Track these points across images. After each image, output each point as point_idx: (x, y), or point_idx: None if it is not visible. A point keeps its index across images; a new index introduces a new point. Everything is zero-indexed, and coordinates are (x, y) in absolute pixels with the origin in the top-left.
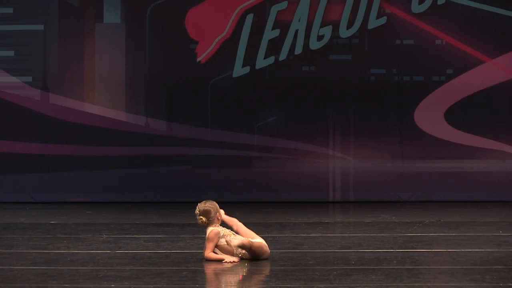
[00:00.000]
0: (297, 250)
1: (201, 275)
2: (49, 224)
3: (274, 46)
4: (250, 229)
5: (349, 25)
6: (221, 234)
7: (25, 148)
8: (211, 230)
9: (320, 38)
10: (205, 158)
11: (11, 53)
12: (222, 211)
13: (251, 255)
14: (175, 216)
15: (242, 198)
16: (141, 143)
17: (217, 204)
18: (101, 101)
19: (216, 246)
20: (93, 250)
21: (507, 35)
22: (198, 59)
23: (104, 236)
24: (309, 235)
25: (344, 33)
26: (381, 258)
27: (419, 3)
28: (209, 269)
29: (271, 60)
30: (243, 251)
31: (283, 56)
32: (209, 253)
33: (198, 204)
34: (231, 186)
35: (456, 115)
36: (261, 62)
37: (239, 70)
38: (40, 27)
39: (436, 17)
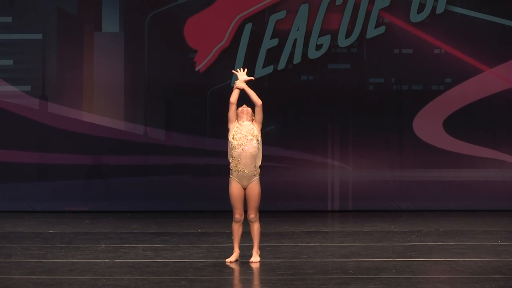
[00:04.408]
0: (296, 259)
1: (200, 284)
2: (48, 233)
3: (273, 55)
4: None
5: (348, 34)
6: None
7: (24, 157)
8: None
9: (318, 47)
10: (204, 167)
11: (10, 62)
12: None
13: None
14: (174, 225)
15: None
16: (140, 152)
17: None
18: (100, 110)
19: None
20: (92, 259)
21: (505, 44)
22: (197, 68)
23: (103, 245)
24: (308, 244)
25: (343, 42)
26: (380, 267)
27: (418, 12)
28: (208, 278)
29: (269, 69)
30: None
31: (282, 65)
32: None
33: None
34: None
35: (455, 124)
36: (260, 71)
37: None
38: (39, 36)
39: (435, 26)
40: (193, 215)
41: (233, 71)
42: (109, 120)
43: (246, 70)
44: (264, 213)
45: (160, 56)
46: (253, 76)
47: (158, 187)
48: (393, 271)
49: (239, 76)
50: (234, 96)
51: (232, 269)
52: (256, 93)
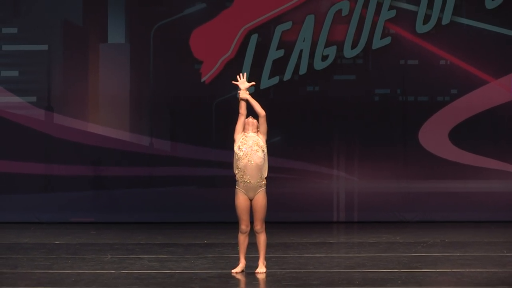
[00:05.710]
0: (302, 270)
1: None
2: (54, 244)
3: (279, 66)
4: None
5: (354, 45)
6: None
7: (30, 168)
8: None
9: (324, 58)
10: (209, 178)
11: (15, 73)
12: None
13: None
14: (180, 236)
15: None
16: (145, 163)
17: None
18: (105, 121)
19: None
20: (97, 270)
21: (511, 55)
22: (202, 79)
23: (109, 256)
24: (313, 255)
25: (349, 53)
26: (385, 278)
27: (424, 23)
28: None
29: (275, 80)
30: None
31: (287, 76)
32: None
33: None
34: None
35: (461, 135)
36: (266, 82)
37: None
38: (45, 47)
39: (441, 38)
40: (199, 226)
41: (233, 82)
42: (114, 131)
43: (245, 75)
44: (270, 224)
45: (165, 67)
46: (258, 87)
47: (164, 198)
48: (399, 282)
49: (240, 85)
50: (242, 108)
51: (238, 280)
52: (262, 104)
